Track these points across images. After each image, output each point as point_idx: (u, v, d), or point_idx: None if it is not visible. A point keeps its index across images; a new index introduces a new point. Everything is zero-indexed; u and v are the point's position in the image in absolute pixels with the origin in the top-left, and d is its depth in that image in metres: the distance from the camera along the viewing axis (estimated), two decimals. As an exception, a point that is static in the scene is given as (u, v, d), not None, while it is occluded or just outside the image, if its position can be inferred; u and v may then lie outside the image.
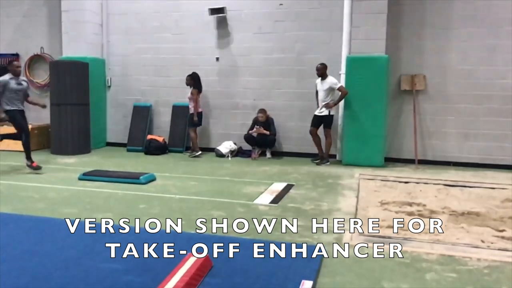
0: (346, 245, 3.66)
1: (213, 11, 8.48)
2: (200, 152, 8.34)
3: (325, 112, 7.56)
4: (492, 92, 7.51)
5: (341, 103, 7.67)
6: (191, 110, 8.32)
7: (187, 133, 8.73)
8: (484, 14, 7.46)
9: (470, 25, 7.54)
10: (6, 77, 6.45)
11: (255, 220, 4.34)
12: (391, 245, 3.68)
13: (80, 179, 6.05)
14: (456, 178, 6.57)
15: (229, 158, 8.19)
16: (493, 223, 4.45)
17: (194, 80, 8.39)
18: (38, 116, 9.13)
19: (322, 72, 7.56)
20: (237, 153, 8.46)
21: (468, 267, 3.26)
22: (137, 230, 3.91)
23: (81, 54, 8.77)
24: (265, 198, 5.22)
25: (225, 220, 4.33)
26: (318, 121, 7.68)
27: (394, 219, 4.52)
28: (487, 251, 3.62)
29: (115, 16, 9.30)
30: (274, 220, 4.36)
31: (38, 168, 6.51)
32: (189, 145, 8.65)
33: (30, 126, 7.33)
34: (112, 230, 3.87)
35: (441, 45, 7.69)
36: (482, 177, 6.68)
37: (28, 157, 6.50)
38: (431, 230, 4.20)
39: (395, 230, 4.19)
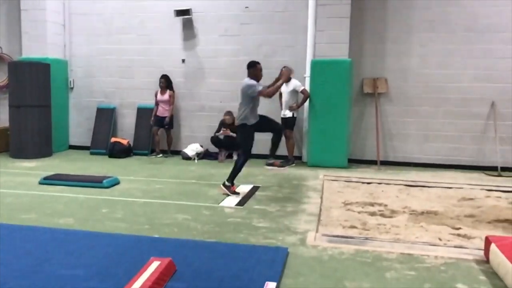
0: (310, 246, 3.72)
1: (179, 12, 8.43)
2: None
3: (288, 114, 7.68)
4: (449, 95, 7.80)
5: (306, 105, 7.80)
6: (166, 113, 8.37)
7: (165, 135, 8.62)
8: (441, 20, 7.75)
9: (429, 31, 7.81)
10: None
11: (220, 223, 4.35)
12: (354, 245, 3.77)
13: (40, 183, 5.88)
14: (416, 178, 6.79)
15: (196, 161, 8.16)
16: (450, 222, 4.64)
17: (168, 82, 8.40)
18: (-4, 118, 8.83)
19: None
20: (204, 155, 8.43)
21: (426, 264, 3.38)
22: (99, 235, 3.84)
23: (42, 55, 8.54)
24: (230, 201, 5.23)
25: (189, 223, 4.32)
26: (284, 123, 7.78)
27: (357, 219, 4.64)
28: (444, 249, 3.77)
29: (77, 16, 9.10)
30: (239, 222, 4.38)
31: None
32: (154, 148, 8.62)
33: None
34: (73, 236, 3.78)
35: (402, 50, 7.93)
36: (440, 177, 6.92)
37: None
38: (392, 230, 4.33)
39: (358, 230, 4.29)
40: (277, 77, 6.00)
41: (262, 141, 8.43)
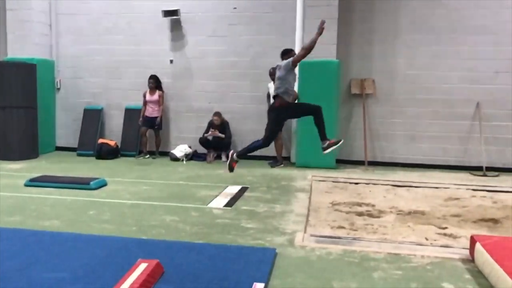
0: (298, 246, 3.73)
1: (167, 13, 8.40)
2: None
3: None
4: (435, 96, 7.89)
5: (294, 106, 7.81)
6: (155, 113, 8.35)
7: (154, 136, 8.60)
8: (427, 22, 7.84)
9: (416, 32, 7.89)
10: None
11: (208, 224, 4.34)
12: (341, 245, 3.79)
13: (26, 185, 5.80)
14: (403, 178, 6.85)
15: (184, 162, 8.13)
16: (436, 221, 4.69)
17: (157, 82, 8.39)
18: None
19: (275, 76, 7.69)
20: (192, 156, 8.41)
21: (413, 264, 3.41)
22: (85, 237, 3.81)
23: (28, 55, 8.43)
24: (219, 202, 5.22)
25: (177, 225, 4.31)
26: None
27: (345, 220, 4.66)
28: (430, 248, 3.81)
29: (64, 16, 9.01)
30: (227, 224, 4.38)
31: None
32: (142, 149, 8.58)
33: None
34: (58, 238, 3.74)
35: (389, 51, 8.00)
36: (427, 177, 6.99)
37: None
38: (379, 230, 4.36)
39: (345, 231, 4.32)
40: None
41: (249, 142, 8.47)
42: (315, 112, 5.71)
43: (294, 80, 5.67)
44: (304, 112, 5.91)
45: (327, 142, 5.73)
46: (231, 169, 5.75)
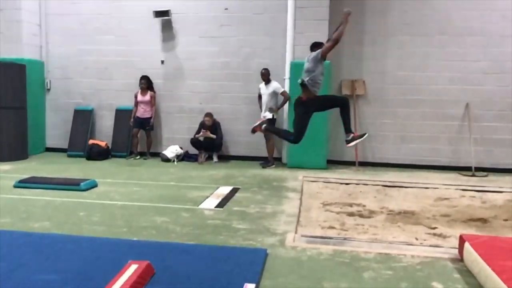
0: (289, 247, 3.74)
1: (158, 13, 8.37)
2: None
3: (269, 115, 7.70)
4: (425, 97, 7.96)
5: (286, 107, 7.84)
6: (147, 114, 8.35)
7: (144, 137, 8.61)
8: (417, 24, 7.91)
9: (405, 33, 7.96)
10: None
11: (199, 225, 4.34)
12: (332, 245, 3.81)
13: (15, 186, 5.75)
14: (393, 179, 6.90)
15: (175, 163, 8.11)
16: (426, 221, 4.73)
17: (149, 83, 8.36)
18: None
19: (267, 77, 7.74)
20: (183, 157, 8.39)
21: (403, 264, 3.43)
22: (75, 239, 3.78)
23: (18, 55, 8.36)
24: (210, 203, 5.22)
25: (168, 226, 4.30)
26: (264, 125, 7.84)
27: (335, 220, 4.69)
28: (420, 248, 3.84)
29: (54, 17, 8.94)
30: (218, 224, 4.37)
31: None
32: (132, 150, 8.57)
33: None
34: (48, 240, 3.72)
35: (379, 52, 8.06)
36: (417, 178, 7.05)
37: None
38: (370, 230, 4.39)
39: (336, 231, 4.34)
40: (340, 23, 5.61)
41: (240, 143, 8.49)
42: (342, 104, 5.63)
43: (322, 74, 5.50)
44: (332, 104, 5.81)
45: (352, 135, 5.62)
46: (253, 131, 5.76)
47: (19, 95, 8.08)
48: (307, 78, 5.40)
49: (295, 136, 5.53)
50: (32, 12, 8.72)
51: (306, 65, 5.51)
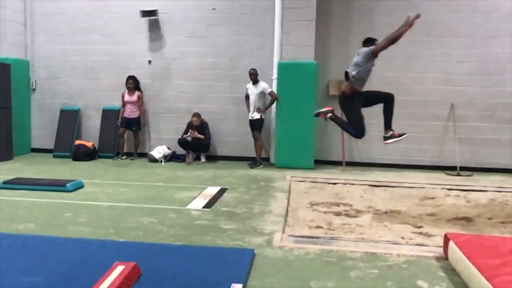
0: (276, 247, 3.75)
1: (145, 13, 8.33)
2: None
3: (256, 116, 7.74)
4: (412, 97, 8.04)
5: (273, 107, 7.87)
6: (133, 114, 8.32)
7: (132, 137, 8.59)
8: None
9: (392, 34, 8.00)
10: None
11: (187, 226, 4.33)
12: (319, 245, 3.83)
13: (0, 188, 5.68)
14: (380, 178, 6.96)
15: (163, 163, 8.07)
16: (412, 220, 4.77)
17: (136, 83, 8.32)
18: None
19: (255, 77, 7.75)
20: (171, 157, 8.36)
21: (389, 262, 3.47)
22: (61, 240, 3.74)
23: (2, 55, 8.26)
24: (198, 203, 5.20)
25: (155, 227, 4.28)
26: (251, 125, 7.86)
27: (323, 220, 4.71)
28: (406, 247, 3.88)
29: (39, 16, 8.85)
30: (206, 225, 4.37)
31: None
32: (119, 150, 8.52)
33: None
34: (33, 241, 3.68)
35: (366, 53, 8.10)
36: (403, 177, 7.12)
37: None
38: (356, 229, 4.42)
39: (323, 230, 4.36)
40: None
41: (228, 143, 8.48)
42: (388, 99, 5.47)
43: (369, 71, 5.33)
44: (377, 99, 5.61)
45: (391, 133, 5.47)
46: (317, 115, 5.60)
47: (3, 95, 7.97)
48: (354, 72, 5.24)
49: (358, 132, 5.36)
50: (17, 11, 8.61)
51: (355, 59, 5.33)
